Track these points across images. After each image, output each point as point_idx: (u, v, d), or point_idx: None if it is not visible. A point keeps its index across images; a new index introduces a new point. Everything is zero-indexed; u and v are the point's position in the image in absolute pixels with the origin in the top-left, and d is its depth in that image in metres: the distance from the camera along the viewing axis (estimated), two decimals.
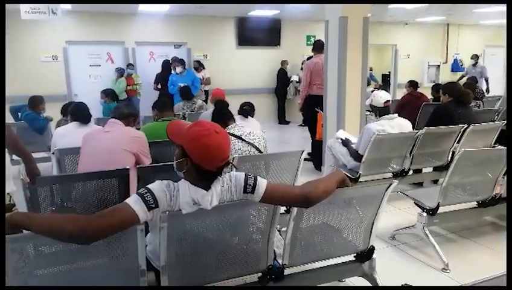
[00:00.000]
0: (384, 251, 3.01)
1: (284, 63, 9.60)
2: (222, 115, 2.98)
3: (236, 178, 1.64)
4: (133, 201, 1.46)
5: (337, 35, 4.57)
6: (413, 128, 4.01)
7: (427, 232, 2.82)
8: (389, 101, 3.58)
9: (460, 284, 2.49)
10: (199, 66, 8.66)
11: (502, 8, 8.53)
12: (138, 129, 2.94)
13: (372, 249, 2.13)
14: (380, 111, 3.61)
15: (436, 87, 6.18)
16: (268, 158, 2.83)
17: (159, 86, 7.97)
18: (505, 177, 2.88)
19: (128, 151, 2.49)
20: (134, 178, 2.33)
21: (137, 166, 2.33)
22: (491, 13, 9.22)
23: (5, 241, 1.33)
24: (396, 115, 3.67)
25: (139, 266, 1.63)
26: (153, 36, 8.78)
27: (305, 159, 5.58)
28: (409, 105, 5.87)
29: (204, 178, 1.54)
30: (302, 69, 8.22)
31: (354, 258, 2.18)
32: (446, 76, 11.06)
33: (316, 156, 5.37)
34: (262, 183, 1.63)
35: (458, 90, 4.25)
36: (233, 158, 2.55)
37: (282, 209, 1.91)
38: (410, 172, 4.01)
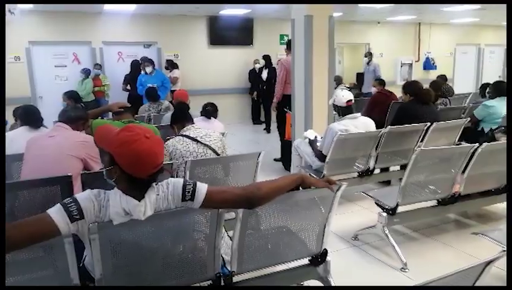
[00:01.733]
0: (345, 251, 2.99)
1: (256, 62, 9.54)
2: (180, 117, 2.90)
3: (174, 185, 1.55)
4: (55, 211, 1.36)
5: (303, 34, 4.53)
6: (383, 126, 4.02)
7: (387, 232, 2.80)
8: (351, 100, 3.56)
9: (416, 284, 2.47)
10: (169, 65, 8.51)
11: (471, 7, 8.70)
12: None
13: (325, 252, 2.08)
14: (343, 110, 3.59)
15: None
16: (226, 161, 2.75)
17: (128, 87, 7.78)
18: (464, 175, 2.88)
19: (74, 156, 2.36)
20: (81, 185, 2.22)
21: (81, 172, 2.21)
22: (460, 12, 9.38)
23: (5, 241, 1.26)
24: (359, 114, 3.65)
25: (71, 281, 1.53)
26: (122, 36, 8.56)
27: (275, 160, 5.70)
28: (379, 103, 5.90)
29: (137, 187, 1.45)
30: (275, 68, 8.19)
31: (308, 262, 2.13)
32: (418, 74, 11.21)
33: (285, 157, 5.32)
34: (202, 189, 1.55)
35: (418, 90, 4.28)
36: (172, 163, 2.47)
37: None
38: (377, 171, 4.01)
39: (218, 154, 2.75)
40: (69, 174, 2.09)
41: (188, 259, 1.76)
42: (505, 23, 12.15)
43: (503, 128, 3.51)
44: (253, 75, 9.45)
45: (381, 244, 2.98)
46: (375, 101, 5.98)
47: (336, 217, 3.54)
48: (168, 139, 2.77)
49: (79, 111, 2.71)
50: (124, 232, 1.50)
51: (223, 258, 1.87)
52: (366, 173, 3.79)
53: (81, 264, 1.66)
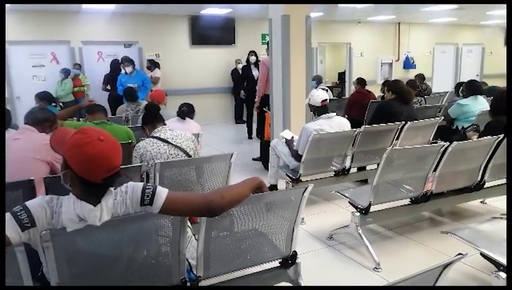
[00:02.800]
0: (320, 251, 2.99)
1: (238, 62, 9.50)
2: (150, 118, 2.85)
3: (133, 189, 1.51)
4: (5, 220, 1.31)
5: (280, 34, 4.53)
6: (363, 125, 4.04)
7: (360, 231, 2.81)
8: (326, 100, 3.57)
9: (388, 283, 2.48)
10: (151, 65, 8.41)
11: (449, 6, 8.83)
12: None
13: (294, 255, 2.07)
14: (318, 110, 3.59)
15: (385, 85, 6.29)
16: (198, 162, 2.72)
17: (108, 87, 7.67)
18: (436, 174, 2.91)
19: (39, 160, 2.30)
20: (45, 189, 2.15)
21: (44, 176, 2.15)
22: (438, 12, 9.51)
23: (5, 241, 1.26)
24: (334, 114, 3.66)
25: None
26: (102, 35, 8.43)
27: (254, 159, 5.68)
28: (358, 103, 5.95)
29: (91, 191, 1.41)
30: (257, 67, 8.16)
31: (279, 264, 2.12)
32: (398, 73, 11.35)
33: (264, 156, 5.31)
34: (161, 194, 1.51)
35: (401, 88, 4.31)
36: (141, 166, 2.43)
37: None
38: (354, 170, 4.03)
39: (189, 156, 2.71)
40: (31, 178, 2.03)
41: (152, 265, 1.72)
42: (482, 23, 12.41)
43: (475, 126, 3.55)
44: (236, 74, 9.42)
45: (356, 243, 2.98)
46: (353, 101, 6.04)
47: (313, 217, 3.63)
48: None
49: (46, 113, 2.64)
50: (80, 239, 1.46)
51: (189, 262, 1.84)
52: (343, 172, 3.81)
53: (39, 273, 1.61)
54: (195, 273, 1.84)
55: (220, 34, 9.39)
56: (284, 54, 4.53)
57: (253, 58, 7.75)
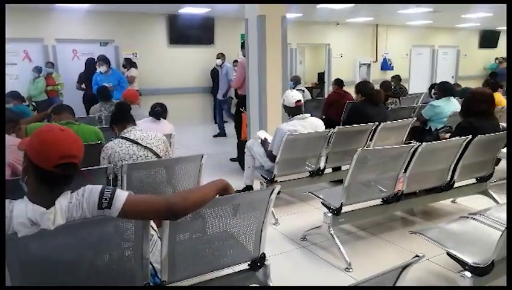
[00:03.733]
0: (293, 252, 2.98)
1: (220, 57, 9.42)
2: (120, 117, 2.79)
3: (90, 192, 1.46)
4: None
5: (256, 34, 4.51)
6: (340, 125, 4.05)
7: (332, 232, 2.81)
8: (300, 100, 3.57)
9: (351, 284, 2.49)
10: (127, 64, 8.27)
11: (426, 9, 8.99)
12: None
13: (263, 257, 2.05)
14: (292, 111, 3.59)
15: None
16: (167, 164, 2.67)
17: (83, 86, 7.50)
18: (406, 174, 2.94)
19: None
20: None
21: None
22: (415, 14, 9.68)
23: (5, 241, 1.26)
24: (308, 114, 3.67)
25: None
26: (76, 33, 8.24)
27: (231, 160, 5.65)
28: (335, 103, 5.98)
29: (45, 183, 1.38)
30: (235, 67, 8.12)
31: (248, 267, 2.09)
32: (376, 75, 11.51)
33: (241, 157, 5.28)
34: (121, 196, 1.46)
35: (369, 90, 4.36)
36: (107, 168, 2.37)
37: None
38: (329, 170, 4.04)
39: (159, 157, 2.66)
40: None
41: (114, 270, 1.68)
42: (457, 26, 12.70)
43: (447, 127, 3.62)
44: (216, 74, 9.37)
45: (328, 244, 2.99)
46: (331, 101, 6.07)
47: (287, 218, 3.62)
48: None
49: (9, 113, 2.54)
50: (34, 244, 1.40)
51: (154, 267, 1.79)
52: (317, 173, 3.81)
53: None
54: (159, 277, 1.80)
55: (199, 34, 9.31)
56: (260, 55, 4.51)
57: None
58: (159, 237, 1.94)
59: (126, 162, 2.41)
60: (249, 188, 4.03)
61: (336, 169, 4.23)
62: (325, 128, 3.72)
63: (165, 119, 3.74)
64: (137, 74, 8.25)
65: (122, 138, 2.61)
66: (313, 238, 3.13)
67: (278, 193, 4.22)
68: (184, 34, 9.10)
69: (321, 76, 11.94)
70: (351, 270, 2.66)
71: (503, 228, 1.89)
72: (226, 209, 1.89)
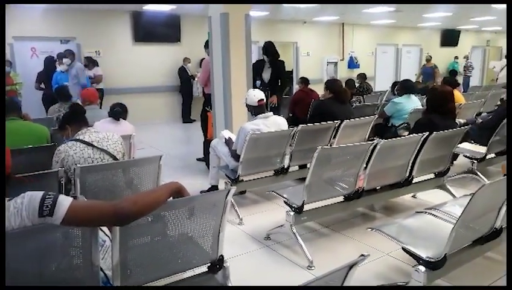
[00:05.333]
0: (256, 252, 2.97)
1: (185, 60, 9.32)
2: (74, 118, 2.67)
3: (30, 199, 1.38)
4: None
5: (220, 32, 4.46)
6: (306, 123, 4.07)
7: (295, 230, 2.82)
8: (262, 100, 3.56)
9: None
10: (89, 63, 8.02)
11: (389, 8, 9.21)
12: None
13: (222, 259, 2.02)
14: (255, 110, 3.58)
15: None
16: (125, 166, 2.59)
17: (42, 86, 7.21)
18: (366, 171, 2.99)
19: None
20: None
21: None
22: (378, 14, 9.90)
23: (5, 241, 1.21)
24: (271, 113, 3.67)
25: None
26: (35, 30, 7.91)
27: (198, 160, 5.58)
28: (301, 101, 6.02)
29: None
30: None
31: (207, 269, 2.06)
32: (343, 72, 11.70)
33: (208, 157, 5.23)
34: (63, 203, 1.39)
35: (338, 88, 4.41)
36: (58, 172, 2.28)
37: None
38: (296, 168, 4.06)
39: (116, 159, 2.58)
40: None
41: (63, 279, 1.60)
42: (420, 25, 13.10)
43: (406, 124, 3.71)
44: (184, 73, 9.25)
45: (292, 243, 2.99)
46: (296, 99, 6.10)
47: (252, 217, 3.61)
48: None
49: None
50: None
51: (106, 274, 1.73)
52: (282, 171, 3.82)
53: None
54: (112, 284, 1.73)
55: (165, 31, 9.14)
56: (224, 53, 4.48)
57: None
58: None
59: (79, 166, 2.32)
60: (214, 188, 3.98)
61: (302, 167, 4.25)
62: (293, 127, 3.74)
63: (125, 119, 3.64)
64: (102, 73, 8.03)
65: (76, 140, 2.51)
66: (277, 237, 3.13)
67: (243, 192, 4.25)
68: (149, 31, 8.92)
69: (289, 74, 11.99)
70: (313, 268, 2.68)
71: (455, 222, 1.95)
72: (183, 212, 1.85)
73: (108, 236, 1.82)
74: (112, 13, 8.55)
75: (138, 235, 1.76)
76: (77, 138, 2.53)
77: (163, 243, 1.89)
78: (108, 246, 1.79)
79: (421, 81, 10.34)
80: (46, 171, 2.29)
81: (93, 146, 2.51)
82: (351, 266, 1.21)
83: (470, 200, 1.87)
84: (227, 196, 1.86)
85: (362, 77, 8.03)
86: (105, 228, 1.83)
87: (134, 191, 2.67)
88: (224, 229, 1.96)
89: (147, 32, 8.90)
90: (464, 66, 13.29)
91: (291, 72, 11.83)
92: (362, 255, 1.21)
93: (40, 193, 1.41)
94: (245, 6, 4.55)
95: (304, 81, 6.42)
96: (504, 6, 8.91)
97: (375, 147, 2.89)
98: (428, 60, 10.58)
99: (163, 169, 3.57)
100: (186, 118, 9.51)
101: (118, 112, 3.55)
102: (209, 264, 2.03)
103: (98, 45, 8.53)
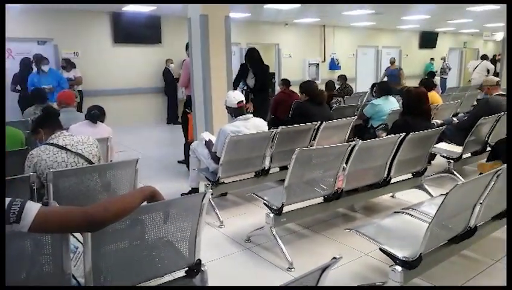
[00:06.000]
0: (237, 255, 2.96)
1: (168, 61, 9.24)
2: (47, 122, 2.60)
3: None
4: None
5: (199, 34, 4.44)
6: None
7: (274, 232, 2.81)
8: (242, 101, 3.55)
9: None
10: (67, 64, 7.86)
11: (368, 11, 9.33)
12: None
13: (199, 263, 2.00)
14: (235, 112, 3.56)
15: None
16: (100, 169, 2.54)
17: (18, 88, 7.03)
18: (345, 172, 3.01)
19: None
20: None
21: None
22: (359, 16, 10.03)
23: (5, 241, 1.19)
24: (251, 115, 3.66)
25: None
26: (11, 31, 7.65)
27: (179, 162, 5.53)
28: (282, 103, 6.03)
29: None
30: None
31: (184, 274, 2.03)
32: (325, 74, 11.80)
33: (188, 159, 5.19)
34: (31, 209, 1.34)
35: (313, 90, 4.44)
36: (29, 176, 2.22)
37: None
38: (277, 169, 4.06)
39: (92, 163, 2.53)
40: None
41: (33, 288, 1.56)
42: (399, 27, 13.32)
43: (384, 125, 3.76)
44: (168, 74, 9.17)
45: (272, 244, 2.98)
46: (278, 101, 6.10)
47: (232, 220, 3.59)
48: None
49: None
50: None
51: (78, 281, 1.69)
52: (263, 173, 3.82)
53: None
54: None
55: (145, 33, 9.04)
56: (203, 55, 4.45)
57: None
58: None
59: (52, 170, 2.26)
60: (194, 190, 3.95)
61: (283, 168, 4.25)
62: (274, 128, 3.74)
63: (102, 122, 3.57)
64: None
65: (50, 144, 2.45)
66: (257, 239, 3.13)
67: (224, 194, 4.23)
68: (129, 32, 8.80)
69: (272, 76, 12.03)
70: (293, 269, 2.68)
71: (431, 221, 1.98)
72: (159, 216, 1.82)
73: (81, 242, 1.78)
74: (90, 14, 8.41)
75: (112, 241, 1.73)
76: (51, 141, 2.47)
77: (138, 248, 1.86)
78: (81, 253, 1.75)
79: None
80: (17, 176, 2.22)
81: (67, 150, 2.45)
82: (324, 269, 1.21)
83: (443, 200, 1.90)
84: (203, 199, 1.84)
85: (343, 78, 8.11)
86: (78, 234, 1.78)
87: (112, 195, 2.62)
88: (201, 232, 1.94)
89: (127, 33, 8.78)
90: (441, 68, 13.57)
91: (274, 74, 11.88)
92: (334, 257, 1.22)
93: (7, 200, 1.36)
94: (225, 8, 4.54)
95: (285, 82, 6.43)
96: (480, 8, 9.16)
97: (353, 148, 2.91)
98: (393, 62, 10.66)
99: (143, 172, 3.51)
100: (171, 119, 9.42)
101: (95, 115, 3.49)
102: (186, 268, 2.01)
103: (76, 46, 8.38)
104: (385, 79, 10.67)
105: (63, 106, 3.93)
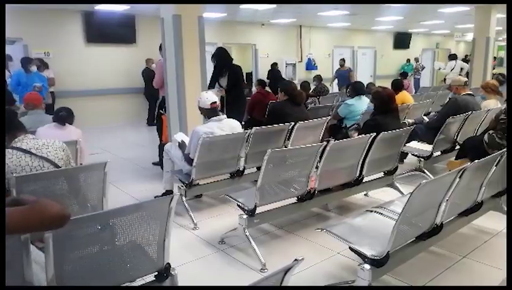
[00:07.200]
0: (210, 257, 2.94)
1: (149, 61, 9.07)
2: (8, 125, 2.51)
3: None
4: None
5: (173, 34, 4.39)
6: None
7: (247, 234, 2.81)
8: (215, 102, 3.53)
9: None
10: (41, 64, 7.65)
11: (343, 12, 9.45)
12: None
13: (168, 267, 1.98)
14: (208, 113, 3.54)
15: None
16: (67, 174, 2.47)
17: None
18: (318, 172, 3.03)
19: None
20: None
21: None
22: (334, 17, 10.15)
23: (5, 241, 1.11)
24: (224, 116, 3.64)
25: None
26: None
27: (154, 164, 5.46)
28: (259, 103, 6.05)
29: None
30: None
31: (154, 278, 2.01)
32: (302, 74, 11.89)
33: (163, 160, 5.13)
34: None
35: (292, 90, 4.45)
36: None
37: None
38: (253, 169, 4.05)
39: (58, 167, 2.46)
40: None
41: None
42: (373, 28, 13.55)
43: (356, 125, 3.82)
44: (147, 74, 9.01)
45: (246, 246, 2.97)
46: (254, 102, 6.14)
47: (207, 221, 3.57)
48: None
49: None
50: None
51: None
52: (237, 174, 3.81)
53: None
54: None
55: (119, 32, 8.88)
56: (177, 55, 4.40)
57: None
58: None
59: (14, 175, 2.18)
60: (168, 193, 3.90)
61: (259, 169, 4.25)
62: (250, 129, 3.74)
63: (71, 124, 3.48)
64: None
65: (13, 148, 2.36)
66: (231, 240, 3.11)
67: (199, 196, 4.19)
68: (103, 32, 8.63)
69: (249, 76, 12.03)
70: (266, 270, 2.68)
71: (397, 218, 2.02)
72: (128, 220, 1.79)
73: (38, 248, 1.73)
74: (61, 13, 8.21)
75: (76, 246, 1.68)
76: (14, 145, 2.39)
77: (105, 253, 1.82)
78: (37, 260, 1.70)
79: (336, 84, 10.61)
80: None
81: (31, 153, 2.37)
82: (287, 270, 1.21)
83: (408, 199, 1.94)
84: (171, 202, 1.82)
85: (318, 78, 8.19)
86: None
87: (80, 200, 2.56)
88: (169, 236, 1.92)
89: (100, 33, 8.61)
90: (414, 68, 13.88)
91: (251, 74, 11.89)
92: (296, 259, 1.22)
93: None
94: (198, 9, 4.50)
95: (261, 83, 6.47)
96: (451, 10, 9.42)
97: (325, 148, 2.94)
98: (342, 64, 10.59)
99: (117, 174, 3.41)
100: (151, 120, 9.27)
101: (63, 117, 3.40)
102: (156, 273, 1.98)
103: (47, 45, 8.16)
104: (335, 81, 10.80)
105: (30, 108, 3.81)
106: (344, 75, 10.07)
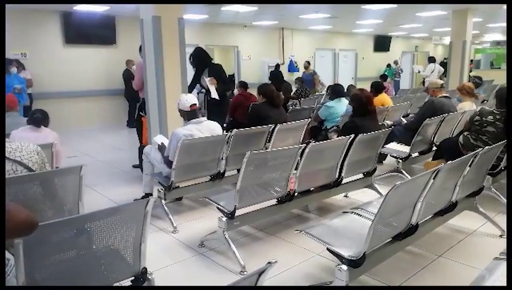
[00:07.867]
0: (189, 260, 2.91)
1: (129, 63, 8.96)
2: None
3: None
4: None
5: (152, 35, 4.35)
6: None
7: (227, 236, 2.80)
8: (195, 104, 3.51)
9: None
10: (19, 65, 7.48)
11: (324, 15, 9.55)
12: None
13: (145, 271, 1.95)
14: (188, 115, 3.52)
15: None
16: (41, 177, 2.41)
17: None
18: (297, 174, 3.04)
19: None
20: None
21: None
22: (316, 19, 10.24)
23: (5, 242, 1.15)
24: (204, 118, 3.63)
25: None
26: None
27: (134, 166, 5.39)
28: (240, 105, 6.04)
29: None
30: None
31: (130, 283, 1.98)
32: (284, 76, 11.92)
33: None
34: None
35: (271, 93, 4.48)
36: None
37: None
38: (234, 172, 4.04)
39: (32, 171, 2.40)
40: None
41: None
42: (354, 31, 13.73)
43: (335, 127, 3.86)
44: (128, 76, 8.90)
45: (225, 248, 2.96)
46: (236, 104, 6.12)
47: (187, 224, 3.54)
48: None
49: None
50: None
51: None
52: (218, 176, 3.80)
53: None
54: None
55: (99, 33, 8.77)
56: (156, 57, 4.37)
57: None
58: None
59: None
60: (148, 196, 3.86)
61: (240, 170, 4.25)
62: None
63: (46, 126, 3.41)
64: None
65: None
66: (211, 243, 3.10)
67: (180, 199, 4.15)
68: (82, 33, 8.50)
69: (231, 78, 12.02)
70: (245, 273, 2.67)
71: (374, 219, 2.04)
72: (104, 224, 1.76)
73: (12, 254, 1.68)
74: (38, 13, 8.04)
75: (50, 252, 1.65)
76: None
77: (80, 257, 1.79)
78: (12, 265, 1.65)
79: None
80: None
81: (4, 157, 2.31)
82: (261, 273, 1.21)
83: (383, 200, 1.97)
84: (146, 205, 1.80)
85: (300, 80, 8.25)
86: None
87: (56, 204, 2.51)
88: (146, 240, 1.90)
89: (79, 33, 8.48)
90: (394, 71, 14.14)
91: (233, 75, 11.88)
92: (269, 262, 1.22)
93: None
94: (178, 10, 4.48)
95: (243, 85, 6.46)
96: (428, 14, 9.62)
97: (304, 150, 2.95)
98: (307, 67, 10.45)
99: (96, 178, 3.31)
100: (132, 122, 9.16)
101: (38, 119, 3.33)
102: (132, 277, 1.95)
103: (24, 46, 7.98)
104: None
105: (5, 110, 3.71)
106: (308, 79, 9.79)
